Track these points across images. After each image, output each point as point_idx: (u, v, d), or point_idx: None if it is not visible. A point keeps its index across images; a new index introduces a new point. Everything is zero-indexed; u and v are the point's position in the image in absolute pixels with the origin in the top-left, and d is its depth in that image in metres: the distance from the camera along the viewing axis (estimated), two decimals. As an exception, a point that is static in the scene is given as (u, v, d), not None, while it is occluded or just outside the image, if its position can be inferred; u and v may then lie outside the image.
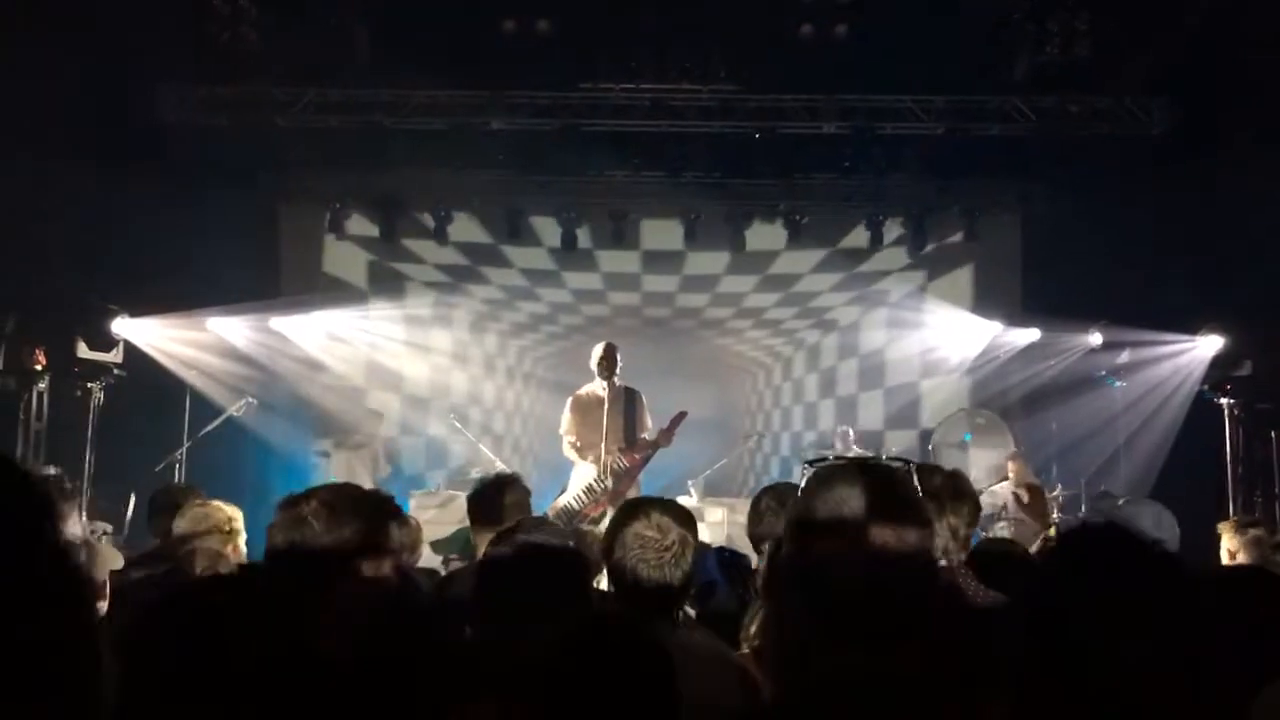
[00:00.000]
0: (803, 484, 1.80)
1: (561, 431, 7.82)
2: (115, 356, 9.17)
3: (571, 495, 7.43)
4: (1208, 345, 9.34)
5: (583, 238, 11.02)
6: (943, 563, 2.84)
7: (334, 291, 11.16)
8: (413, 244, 11.23)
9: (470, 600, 2.61)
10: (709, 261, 11.46)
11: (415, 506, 8.72)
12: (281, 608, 1.50)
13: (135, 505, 7.24)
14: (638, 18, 9.09)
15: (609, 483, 7.36)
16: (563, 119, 9.58)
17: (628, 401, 7.64)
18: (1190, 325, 9.37)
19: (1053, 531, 6.39)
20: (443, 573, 4.74)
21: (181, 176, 8.85)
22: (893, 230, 10.90)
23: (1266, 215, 7.76)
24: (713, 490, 9.52)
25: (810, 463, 1.85)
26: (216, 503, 3.88)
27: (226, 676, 1.36)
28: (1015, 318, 10.82)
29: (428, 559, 5.50)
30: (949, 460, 9.31)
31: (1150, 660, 1.34)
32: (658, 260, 11.57)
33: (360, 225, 11.04)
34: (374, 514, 2.45)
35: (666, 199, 10.64)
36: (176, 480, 8.34)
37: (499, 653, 2.01)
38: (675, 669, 1.76)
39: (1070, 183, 10.01)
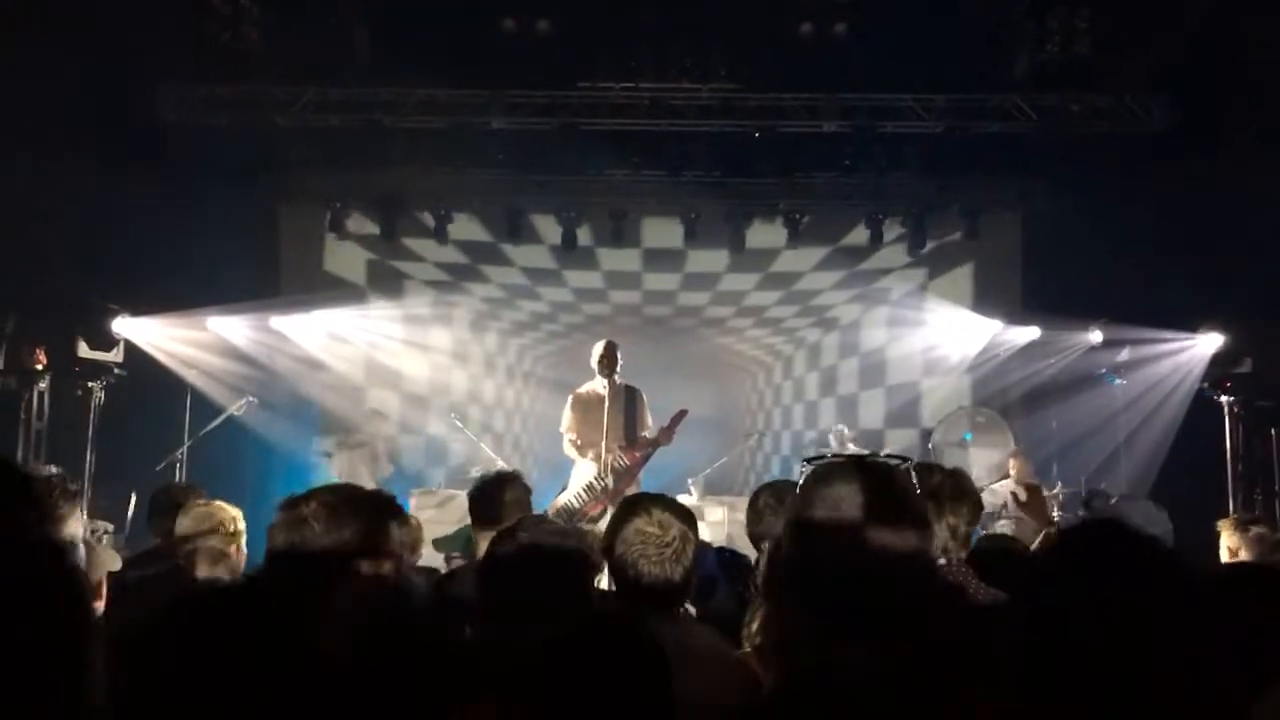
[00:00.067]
0: (801, 482, 1.80)
1: (562, 429, 7.82)
2: (116, 356, 9.17)
3: (572, 493, 7.43)
4: (1208, 343, 9.35)
5: (583, 236, 11.02)
6: (942, 560, 2.84)
7: (334, 290, 11.16)
8: (413, 243, 11.23)
9: (472, 599, 2.62)
10: (710, 259, 11.46)
11: (415, 505, 8.72)
12: (281, 609, 1.50)
13: (136, 505, 7.24)
14: (637, 17, 9.09)
15: (609, 481, 7.37)
16: (562, 118, 9.58)
17: (628, 400, 7.64)
18: (1190, 323, 9.38)
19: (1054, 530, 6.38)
20: (444, 571, 4.75)
21: (181, 176, 8.85)
22: (893, 229, 10.90)
23: (1267, 213, 7.77)
24: (713, 489, 9.53)
25: (808, 460, 1.85)
26: (218, 502, 3.88)
27: (226, 677, 1.37)
28: (1015, 316, 10.82)
29: (431, 558, 5.51)
30: (950, 459, 9.30)
31: (1150, 658, 1.34)
32: (658, 258, 11.57)
33: (360, 224, 11.04)
34: (374, 515, 2.45)
35: (666, 198, 10.64)
36: (177, 479, 8.34)
37: (499, 653, 2.02)
38: (673, 668, 1.77)
39: (1070, 181, 10.01)
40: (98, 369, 9.02)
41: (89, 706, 1.32)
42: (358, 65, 9.23)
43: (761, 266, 11.55)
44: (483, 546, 3.62)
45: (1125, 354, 10.04)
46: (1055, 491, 8.93)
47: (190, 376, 9.77)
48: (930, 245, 10.96)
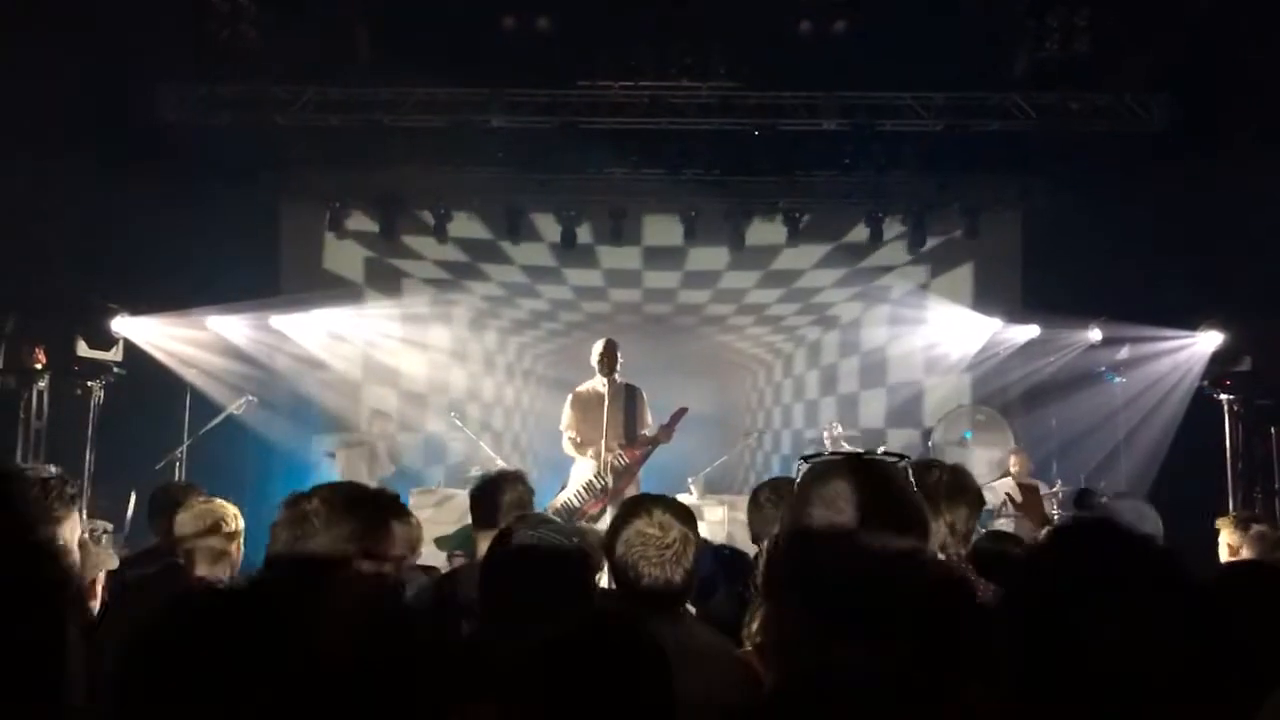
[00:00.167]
0: (798, 480, 1.80)
1: (562, 428, 7.82)
2: (115, 355, 9.18)
3: (571, 492, 7.44)
4: (1207, 341, 9.35)
5: (583, 234, 11.02)
6: (941, 558, 2.84)
7: (333, 289, 11.16)
8: (412, 241, 11.23)
9: (473, 599, 2.62)
10: (710, 257, 11.46)
11: (414, 504, 8.69)
12: (282, 608, 1.50)
13: (136, 504, 7.24)
14: (637, 15, 9.09)
15: (609, 480, 7.37)
16: (562, 116, 9.58)
17: (628, 398, 7.64)
18: (1190, 321, 9.38)
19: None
20: (445, 569, 4.75)
21: (181, 175, 8.85)
22: (893, 227, 10.89)
23: (1266, 211, 7.76)
24: (713, 488, 9.52)
25: (805, 458, 1.85)
26: (217, 501, 3.87)
27: (226, 677, 1.37)
28: (1015, 314, 10.82)
29: (434, 557, 5.50)
30: (950, 458, 9.27)
31: (1144, 657, 1.34)
32: (659, 256, 11.57)
33: (360, 223, 11.04)
34: (375, 513, 2.45)
35: (666, 196, 10.64)
36: (177, 478, 8.34)
37: (499, 652, 2.01)
38: (674, 668, 1.76)
39: (1070, 179, 10.00)
40: (97, 368, 9.02)
41: (69, 706, 1.33)
42: (357, 64, 9.23)
43: (762, 264, 11.55)
44: (482, 547, 3.62)
45: (1125, 352, 10.04)
46: (1055, 490, 8.92)
47: (190, 375, 9.77)
48: (930, 244, 10.96)
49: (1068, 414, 10.25)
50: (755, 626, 2.64)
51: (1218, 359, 9.24)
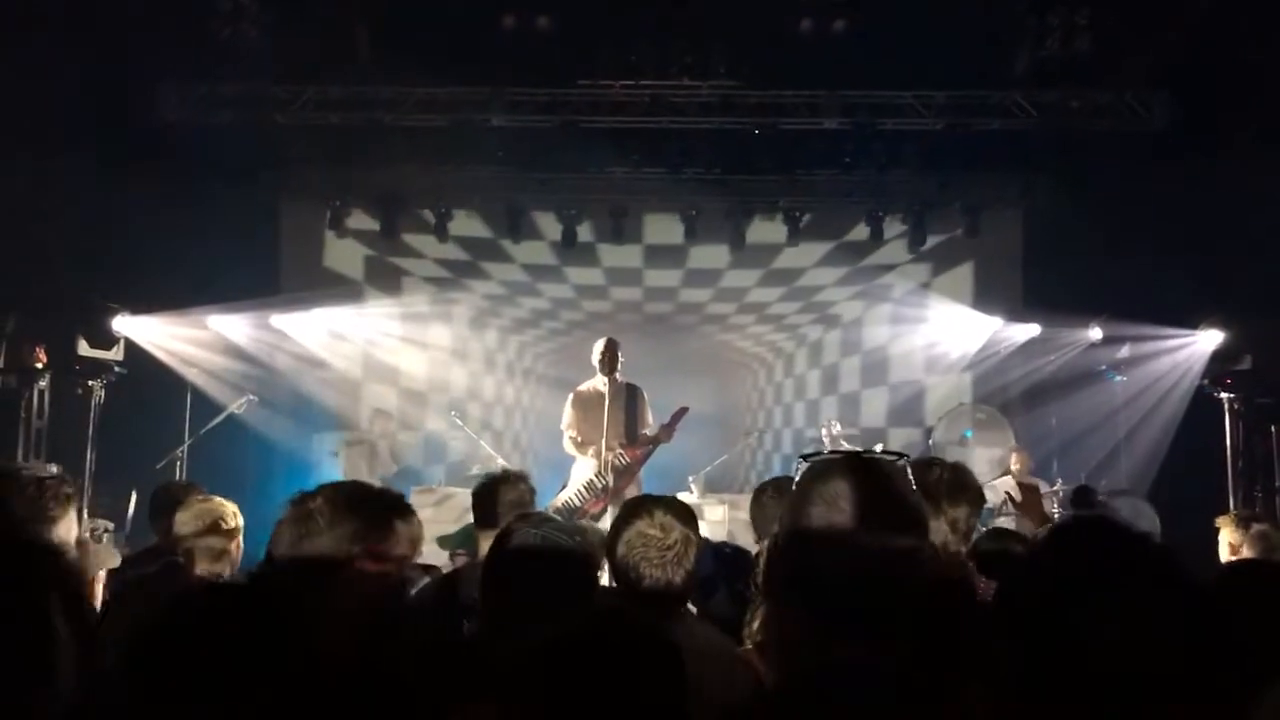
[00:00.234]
0: (796, 478, 1.80)
1: (562, 427, 7.82)
2: (116, 354, 9.17)
3: (572, 491, 7.44)
4: (1208, 340, 9.35)
5: (583, 233, 11.03)
6: (942, 556, 2.84)
7: (333, 287, 11.16)
8: (413, 240, 11.23)
9: (475, 598, 2.62)
10: (711, 256, 11.46)
11: (414, 503, 8.64)
12: (283, 607, 1.50)
13: (137, 503, 7.25)
14: (637, 14, 9.08)
15: (609, 479, 7.37)
16: (563, 115, 9.58)
17: (629, 398, 7.64)
18: (1190, 320, 9.39)
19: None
20: (446, 567, 4.75)
21: (182, 174, 8.85)
22: (893, 226, 10.89)
23: (1267, 210, 7.76)
24: (713, 487, 9.52)
25: (805, 457, 1.84)
26: (216, 499, 3.88)
27: (227, 676, 1.37)
28: (1016, 313, 10.82)
29: (435, 556, 5.50)
30: (951, 457, 9.27)
31: (1142, 655, 1.34)
32: (660, 255, 11.57)
33: (361, 221, 11.04)
34: (380, 512, 2.45)
35: (667, 195, 10.64)
36: (178, 477, 8.35)
37: (499, 652, 2.01)
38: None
39: (1071, 178, 10.00)
40: (98, 367, 9.02)
41: (67, 701, 1.33)
42: (358, 63, 9.22)
43: (763, 263, 11.55)
44: (484, 546, 3.62)
45: (1125, 351, 10.05)
46: (1055, 488, 8.92)
47: (190, 375, 9.78)
48: (931, 242, 10.96)
49: (1068, 413, 10.26)
50: (756, 625, 2.64)
51: (1218, 358, 9.25)
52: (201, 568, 3.66)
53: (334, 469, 10.16)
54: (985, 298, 11.20)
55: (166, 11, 8.12)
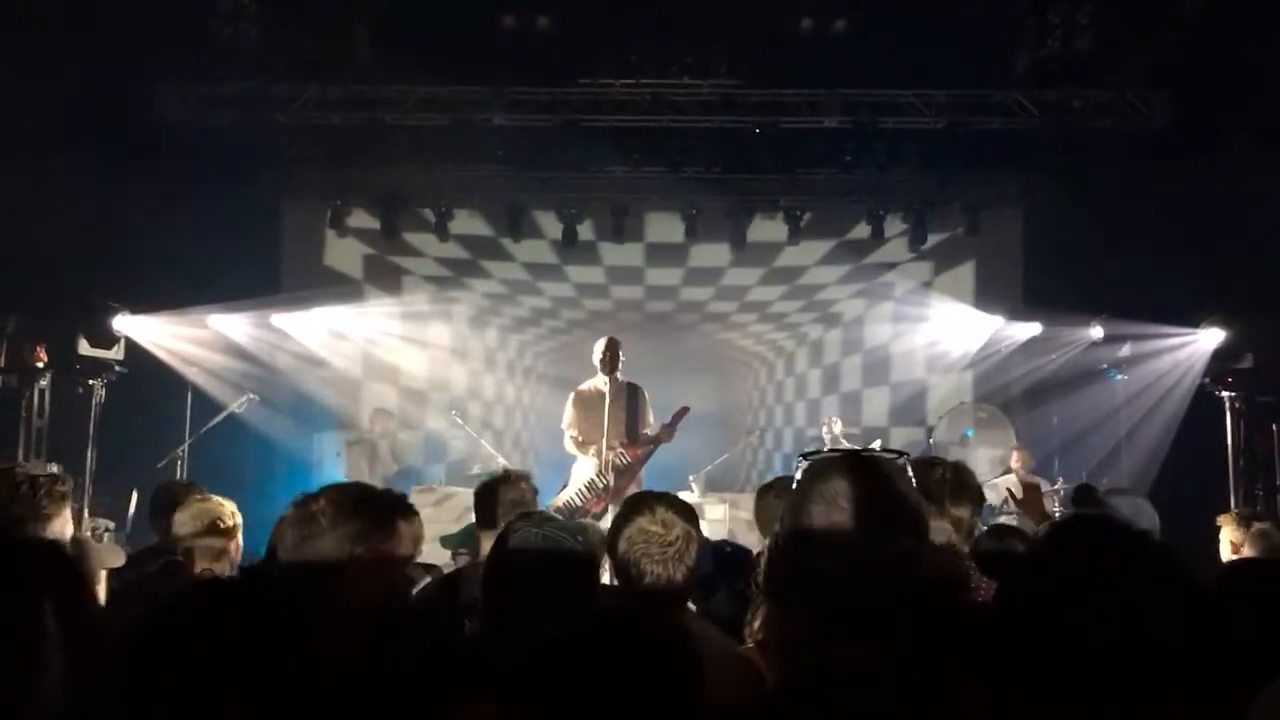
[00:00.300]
0: (797, 477, 1.80)
1: (563, 426, 7.82)
2: (116, 353, 9.17)
3: (573, 491, 7.43)
4: (1209, 338, 9.34)
5: (584, 232, 11.02)
6: (943, 554, 2.84)
7: (333, 286, 11.17)
8: (413, 239, 11.23)
9: (477, 598, 2.61)
10: (712, 254, 11.45)
11: (414, 502, 8.69)
12: (283, 607, 1.50)
13: (137, 502, 7.25)
14: (638, 13, 9.08)
15: (610, 478, 7.36)
16: (563, 114, 9.58)
17: (630, 397, 7.64)
18: (1191, 318, 9.38)
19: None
20: (448, 567, 4.74)
21: (182, 174, 8.84)
22: (894, 225, 10.89)
23: (1267, 209, 7.76)
24: (714, 486, 9.52)
25: (805, 455, 1.84)
26: (214, 499, 3.88)
27: (227, 675, 1.37)
28: (1017, 311, 10.82)
29: (435, 554, 5.50)
30: (952, 456, 9.28)
31: (1142, 653, 1.33)
32: (660, 253, 11.57)
33: (361, 220, 11.03)
34: (382, 513, 2.45)
35: (667, 194, 10.64)
36: (178, 477, 8.35)
37: (500, 651, 2.01)
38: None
39: (1072, 177, 10.00)
40: (99, 367, 9.02)
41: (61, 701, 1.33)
42: (358, 62, 9.22)
43: (764, 262, 11.55)
44: (486, 546, 3.62)
45: (1126, 349, 10.04)
46: (1057, 487, 8.92)
47: (191, 374, 9.78)
48: (932, 241, 10.95)
49: (1069, 411, 10.26)
50: (757, 624, 2.64)
51: (1219, 356, 9.24)
52: (201, 567, 3.66)
53: (336, 468, 10.17)
54: (986, 296, 11.20)
55: (166, 11, 8.12)
